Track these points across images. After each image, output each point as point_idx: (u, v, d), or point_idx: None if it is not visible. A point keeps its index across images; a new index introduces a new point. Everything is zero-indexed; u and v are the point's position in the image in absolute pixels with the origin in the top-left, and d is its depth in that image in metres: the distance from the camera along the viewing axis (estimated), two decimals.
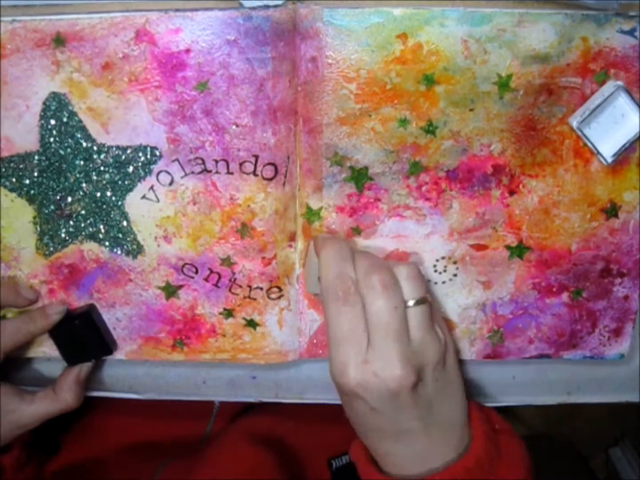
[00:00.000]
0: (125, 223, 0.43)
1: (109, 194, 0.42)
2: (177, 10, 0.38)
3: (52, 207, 0.43)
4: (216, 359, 0.47)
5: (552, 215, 0.44)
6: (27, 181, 0.42)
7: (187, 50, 0.38)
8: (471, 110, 0.41)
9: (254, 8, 0.37)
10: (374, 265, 0.39)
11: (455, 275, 0.46)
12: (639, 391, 0.50)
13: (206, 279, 0.45)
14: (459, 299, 0.46)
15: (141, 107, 0.40)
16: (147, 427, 0.58)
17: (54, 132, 0.41)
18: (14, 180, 0.42)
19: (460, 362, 0.46)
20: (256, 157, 0.41)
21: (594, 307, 0.47)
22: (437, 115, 0.41)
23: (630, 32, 0.39)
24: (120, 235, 0.43)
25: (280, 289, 0.45)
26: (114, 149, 0.41)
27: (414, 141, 0.42)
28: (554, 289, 0.46)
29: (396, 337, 0.37)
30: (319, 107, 0.40)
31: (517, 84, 0.40)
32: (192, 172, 0.42)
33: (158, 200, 0.42)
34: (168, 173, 0.42)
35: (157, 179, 0.42)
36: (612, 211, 0.44)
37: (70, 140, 0.41)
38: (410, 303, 0.38)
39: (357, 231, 0.44)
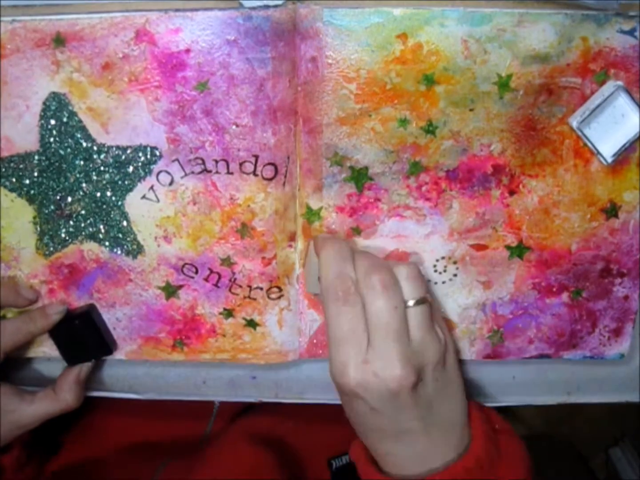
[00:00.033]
0: (125, 223, 0.43)
1: (109, 194, 0.42)
2: (177, 10, 0.38)
3: (52, 207, 0.43)
4: (216, 359, 0.47)
5: (552, 215, 0.44)
6: (27, 181, 0.42)
7: (187, 50, 0.38)
8: (471, 110, 0.41)
9: (254, 8, 0.37)
10: (374, 265, 0.39)
11: (455, 275, 0.46)
12: (639, 391, 0.50)
13: (206, 279, 0.45)
14: (459, 299, 0.46)
15: (141, 107, 0.40)
16: (147, 427, 0.58)
17: (54, 132, 0.41)
18: (14, 180, 0.42)
19: (460, 362, 0.46)
20: (256, 157, 0.41)
21: (594, 307, 0.47)
22: (437, 115, 0.41)
23: (630, 32, 0.39)
24: (120, 235, 0.43)
25: (280, 289, 0.45)
26: (114, 149, 0.41)
27: (414, 141, 0.42)
28: (554, 289, 0.46)
29: (396, 337, 0.37)
30: (319, 107, 0.40)
31: (517, 84, 0.40)
32: (192, 172, 0.42)
33: (158, 200, 0.42)
34: (168, 173, 0.42)
35: (157, 179, 0.42)
36: (612, 211, 0.44)
37: (70, 140, 0.41)
38: (410, 303, 0.38)
39: (357, 231, 0.44)
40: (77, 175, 0.42)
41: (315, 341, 0.47)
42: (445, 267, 0.45)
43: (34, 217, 0.43)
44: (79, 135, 0.41)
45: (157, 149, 0.41)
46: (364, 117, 0.41)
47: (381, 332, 0.37)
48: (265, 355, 0.47)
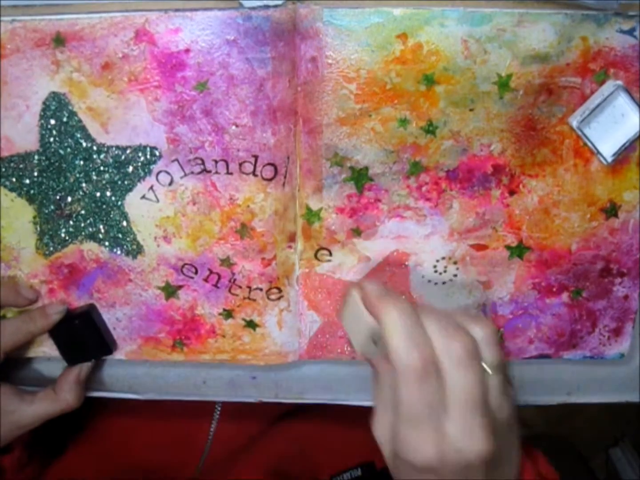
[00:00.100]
0: (125, 223, 0.43)
1: (108, 194, 0.42)
2: (176, 10, 0.38)
3: (52, 207, 0.43)
4: (216, 359, 0.47)
5: (552, 215, 0.44)
6: (27, 181, 0.42)
7: (187, 50, 0.38)
8: (471, 110, 0.41)
9: (253, 8, 0.37)
10: (449, 327, 0.34)
11: (455, 275, 0.46)
12: (639, 391, 0.50)
13: (206, 280, 0.45)
14: (459, 299, 0.46)
15: (141, 107, 0.40)
16: (149, 429, 0.58)
17: (54, 132, 0.41)
18: (14, 180, 0.42)
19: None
20: (256, 157, 0.41)
21: (594, 306, 0.47)
22: (437, 115, 0.41)
23: (630, 32, 0.39)
24: (120, 235, 0.43)
25: (279, 290, 0.45)
26: (114, 149, 0.41)
27: (414, 141, 0.42)
28: (554, 289, 0.46)
29: (479, 408, 0.34)
30: (319, 107, 0.40)
31: (517, 84, 0.40)
32: (192, 172, 0.42)
33: (158, 201, 0.42)
34: (168, 173, 0.42)
35: (157, 179, 0.42)
36: (612, 211, 0.44)
37: (70, 140, 0.41)
38: (490, 371, 0.35)
39: (357, 232, 0.44)
40: (77, 175, 0.42)
41: (315, 342, 0.47)
42: (446, 267, 0.45)
43: (34, 217, 0.43)
44: (78, 135, 0.41)
45: (156, 149, 0.41)
46: (364, 117, 0.41)
47: (463, 404, 0.34)
48: (265, 357, 0.47)
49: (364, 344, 0.36)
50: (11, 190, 0.42)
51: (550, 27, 0.39)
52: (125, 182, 0.42)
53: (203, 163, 0.41)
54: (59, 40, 0.38)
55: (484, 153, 0.42)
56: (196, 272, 0.45)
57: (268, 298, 0.45)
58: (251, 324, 0.46)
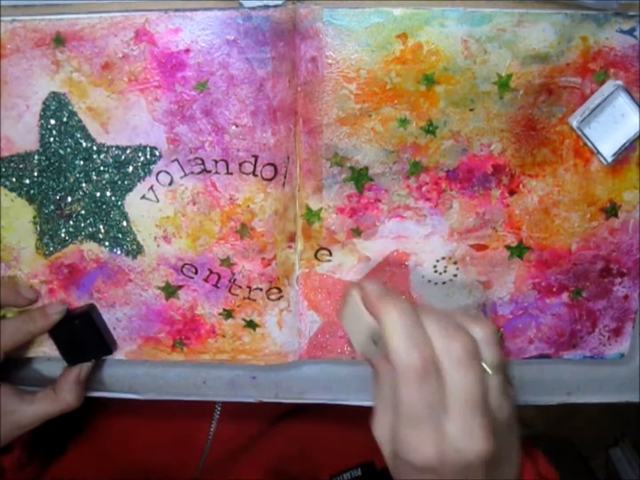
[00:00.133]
0: (125, 223, 0.43)
1: (108, 194, 0.42)
2: (176, 10, 0.38)
3: (52, 207, 0.43)
4: (216, 359, 0.47)
5: (552, 215, 0.44)
6: (27, 181, 0.42)
7: (187, 50, 0.38)
8: (471, 110, 0.41)
9: (253, 8, 0.37)
10: (449, 327, 0.34)
11: (455, 275, 0.46)
12: (639, 391, 0.50)
13: (206, 280, 0.45)
14: (459, 299, 0.46)
15: (141, 107, 0.40)
16: (149, 430, 0.58)
17: (54, 132, 0.41)
18: (14, 180, 0.42)
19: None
20: (256, 157, 0.41)
21: (594, 306, 0.47)
22: (437, 115, 0.41)
23: (630, 32, 0.39)
24: (120, 235, 0.43)
25: (279, 290, 0.45)
26: (114, 149, 0.41)
27: (414, 141, 0.42)
28: (554, 289, 0.46)
29: (479, 408, 0.34)
30: (319, 107, 0.40)
31: (517, 84, 0.40)
32: (192, 172, 0.42)
33: (158, 201, 0.42)
34: (167, 173, 0.42)
35: (157, 179, 0.42)
36: (612, 211, 0.44)
37: (70, 140, 0.41)
38: (490, 371, 0.35)
39: (357, 232, 0.44)
40: (77, 175, 0.42)
41: (315, 342, 0.47)
42: (446, 267, 0.45)
43: (34, 217, 0.43)
44: (78, 135, 0.41)
45: (156, 149, 0.41)
46: (364, 117, 0.41)
47: (463, 404, 0.34)
48: (265, 357, 0.47)
49: (364, 344, 0.36)
50: (11, 190, 0.42)
51: (550, 27, 0.39)
52: (125, 182, 0.42)
53: (203, 163, 0.41)
54: (59, 40, 0.38)
55: (484, 153, 0.42)
56: (196, 272, 0.45)
57: (268, 298, 0.45)
58: (251, 324, 0.46)
